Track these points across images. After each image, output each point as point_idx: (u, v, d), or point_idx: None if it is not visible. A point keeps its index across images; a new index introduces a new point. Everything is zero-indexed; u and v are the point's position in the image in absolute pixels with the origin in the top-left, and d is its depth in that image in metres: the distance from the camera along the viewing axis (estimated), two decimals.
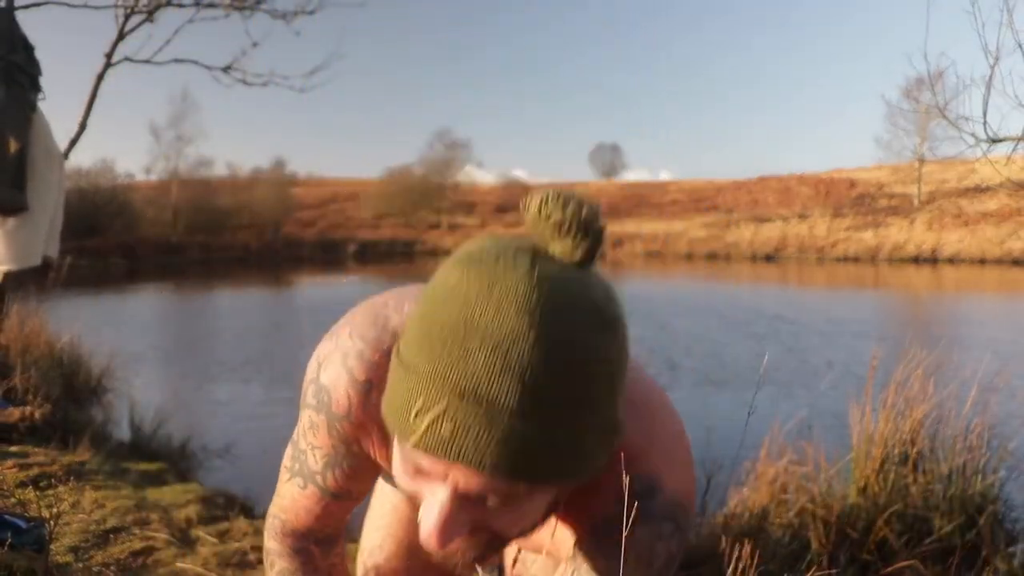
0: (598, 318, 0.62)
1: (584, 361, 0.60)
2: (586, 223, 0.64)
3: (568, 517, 0.80)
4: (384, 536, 1.23)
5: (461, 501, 0.63)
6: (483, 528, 0.67)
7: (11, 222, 3.45)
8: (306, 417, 0.87)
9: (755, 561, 1.48)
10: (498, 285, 0.60)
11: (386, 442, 0.84)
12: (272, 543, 1.00)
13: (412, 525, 1.10)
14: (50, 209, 3.66)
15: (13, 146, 3.30)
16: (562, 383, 0.59)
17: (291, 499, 0.94)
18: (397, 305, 0.86)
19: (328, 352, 0.85)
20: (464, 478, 0.61)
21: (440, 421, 0.59)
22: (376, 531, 1.24)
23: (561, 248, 0.64)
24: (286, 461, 0.93)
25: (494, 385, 0.58)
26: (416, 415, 0.60)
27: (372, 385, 0.81)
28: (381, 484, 1.24)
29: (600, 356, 0.62)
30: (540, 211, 0.64)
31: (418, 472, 0.65)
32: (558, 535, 0.84)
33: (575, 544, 0.78)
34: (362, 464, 0.88)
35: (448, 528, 0.64)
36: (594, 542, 0.76)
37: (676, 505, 0.77)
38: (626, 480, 0.71)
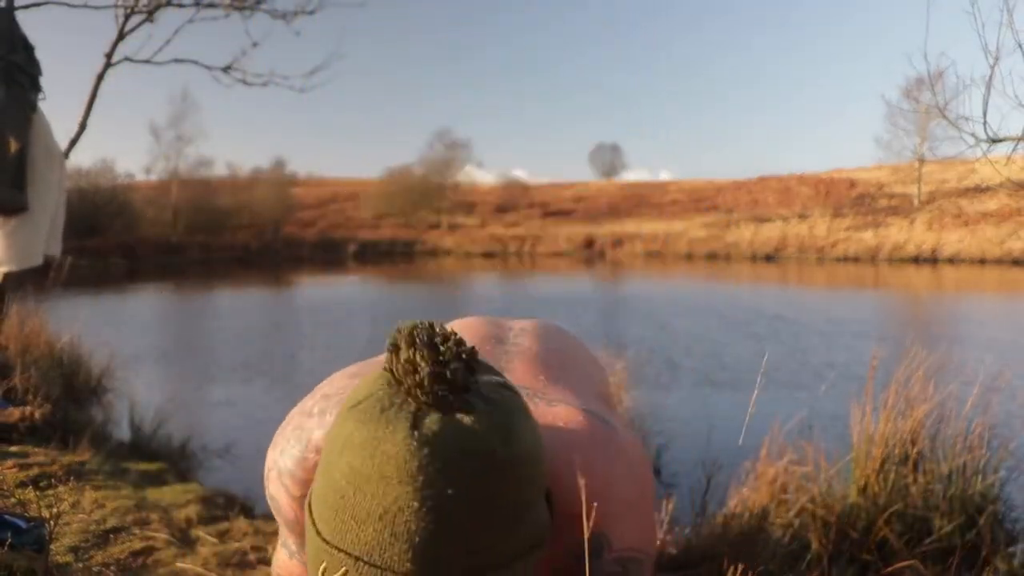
0: (485, 464, 0.61)
1: (476, 513, 0.60)
2: (438, 375, 0.61)
3: None
4: None
5: None
6: None
7: (12, 223, 3.45)
8: (272, 505, 0.95)
9: (755, 561, 1.48)
10: (379, 451, 0.60)
11: None
12: None
13: None
14: (50, 209, 3.66)
15: (13, 146, 3.30)
16: (455, 540, 0.60)
17: (277, 566, 1.06)
18: (320, 416, 0.89)
19: (269, 466, 0.91)
20: None
21: None
22: None
23: (428, 399, 0.61)
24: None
25: (386, 554, 0.60)
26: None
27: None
28: None
29: (493, 503, 0.61)
30: (395, 369, 0.63)
31: None
32: None
33: None
34: None
35: None
36: None
37: (627, 560, 0.79)
38: (585, 533, 0.74)
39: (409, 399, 0.62)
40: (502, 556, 0.63)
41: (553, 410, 0.85)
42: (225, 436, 4.46)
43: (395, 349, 0.63)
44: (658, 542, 2.34)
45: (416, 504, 0.59)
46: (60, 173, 3.73)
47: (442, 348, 0.62)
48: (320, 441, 0.86)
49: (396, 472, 0.59)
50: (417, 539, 0.59)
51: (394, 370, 0.63)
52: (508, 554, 0.64)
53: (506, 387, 0.67)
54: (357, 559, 0.61)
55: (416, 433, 0.60)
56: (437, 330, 0.63)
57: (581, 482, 0.75)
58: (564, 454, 0.78)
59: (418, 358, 0.61)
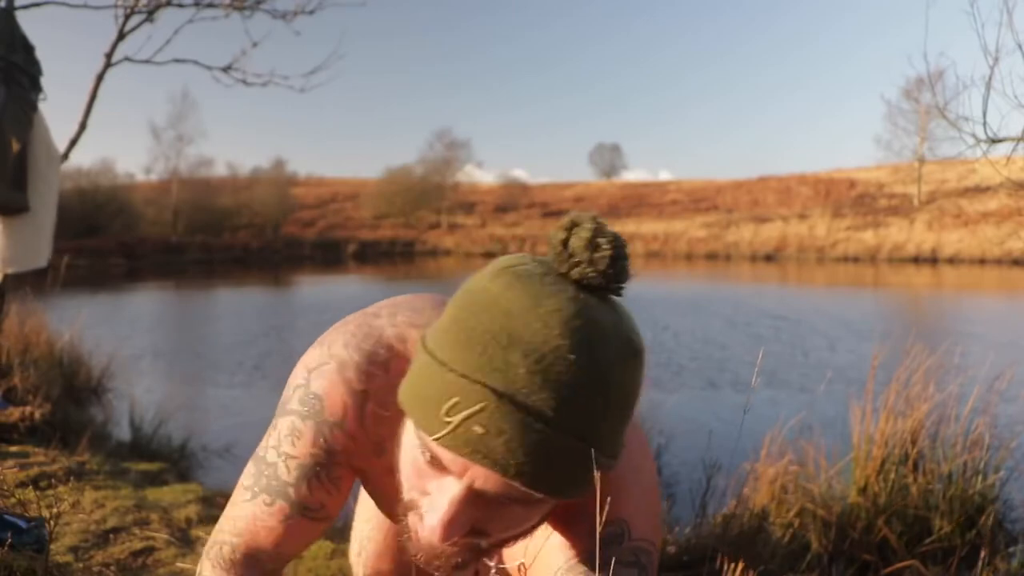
0: (629, 349, 0.66)
1: (614, 386, 0.64)
2: (613, 259, 0.66)
3: (544, 540, 0.83)
4: (373, 527, 1.23)
5: (472, 500, 0.66)
6: (480, 532, 0.69)
7: (13, 223, 3.45)
8: (286, 424, 0.84)
9: (755, 561, 1.48)
10: (545, 304, 0.63)
11: (376, 455, 0.85)
12: (213, 572, 0.89)
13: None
14: (53, 210, 3.66)
15: (14, 146, 3.30)
16: (593, 404, 0.63)
17: (250, 520, 0.87)
18: (390, 317, 0.87)
19: (320, 361, 0.84)
20: (483, 478, 0.64)
21: (473, 421, 0.61)
22: (366, 522, 1.24)
23: (590, 278, 0.66)
24: (245, 480, 0.88)
25: (533, 396, 0.61)
26: (448, 411, 0.63)
27: (368, 397, 0.82)
28: None
29: (625, 384, 0.66)
30: (567, 242, 0.68)
31: (432, 465, 0.68)
32: (530, 554, 0.87)
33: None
34: (342, 478, 0.86)
35: (453, 524, 0.66)
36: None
37: (641, 550, 0.81)
38: (600, 520, 0.75)
39: (568, 276, 0.66)
40: (612, 439, 0.67)
41: None
42: (225, 436, 4.46)
43: (571, 228, 0.68)
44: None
45: (574, 357, 0.61)
46: (56, 175, 3.73)
47: (610, 242, 0.66)
48: (393, 340, 0.83)
49: (559, 325, 0.61)
50: (566, 390, 0.61)
51: (567, 245, 0.67)
52: (612, 446, 0.67)
53: None
54: (501, 395, 0.61)
55: (581, 297, 0.64)
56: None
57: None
58: None
59: (600, 240, 0.66)
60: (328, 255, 38.31)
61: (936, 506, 2.57)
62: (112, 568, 2.00)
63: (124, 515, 2.45)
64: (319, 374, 0.84)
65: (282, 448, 0.85)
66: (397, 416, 0.79)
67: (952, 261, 29.36)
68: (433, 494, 0.69)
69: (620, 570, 0.78)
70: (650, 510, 0.83)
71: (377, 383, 0.82)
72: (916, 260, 30.29)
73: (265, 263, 32.34)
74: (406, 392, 0.70)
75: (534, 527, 0.74)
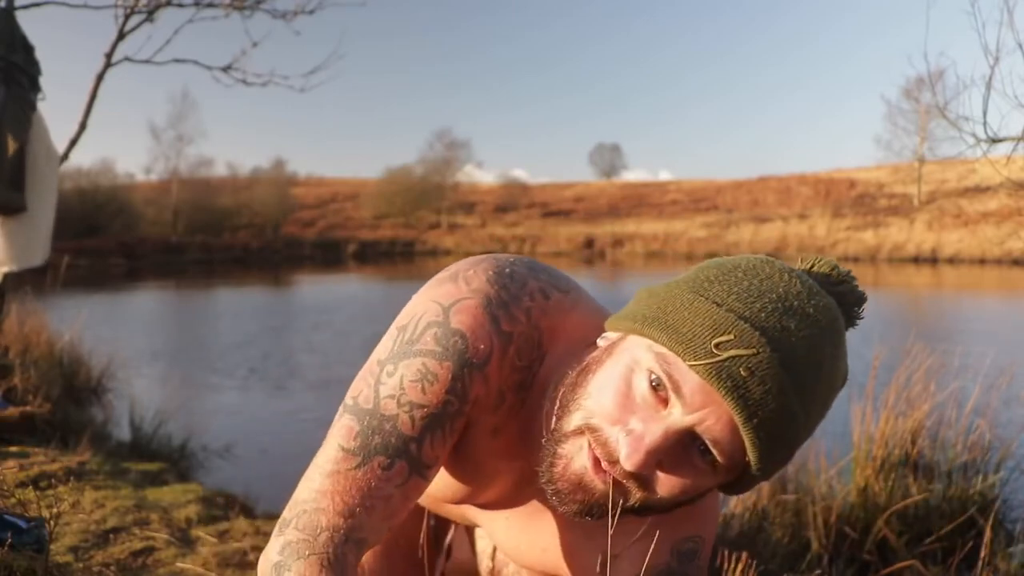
0: (847, 363, 0.73)
1: (836, 388, 0.71)
2: (861, 299, 0.77)
3: (618, 546, 0.83)
4: None
5: (685, 439, 0.67)
6: (647, 481, 0.69)
7: (11, 223, 3.45)
8: (416, 367, 0.73)
9: (754, 562, 1.48)
10: (817, 297, 0.69)
11: (493, 410, 0.77)
12: (304, 567, 0.68)
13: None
14: (51, 209, 3.66)
15: (12, 146, 3.30)
16: (826, 400, 0.69)
17: (363, 493, 0.71)
18: (531, 271, 0.81)
19: (458, 295, 0.75)
20: (714, 420, 0.65)
21: (742, 361, 0.63)
22: None
23: (849, 298, 0.76)
24: (345, 441, 0.73)
25: (800, 366, 0.64)
26: (719, 344, 0.64)
27: (511, 340, 0.75)
28: None
29: (841, 382, 0.72)
30: (837, 268, 0.78)
31: (656, 393, 0.67)
32: (551, 553, 0.88)
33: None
34: (461, 426, 0.77)
35: (656, 453, 0.66)
36: None
37: (703, 569, 0.84)
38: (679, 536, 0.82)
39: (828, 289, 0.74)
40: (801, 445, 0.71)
41: None
42: (225, 436, 4.46)
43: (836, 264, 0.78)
44: None
45: (832, 349, 0.68)
46: (55, 175, 3.73)
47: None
48: (537, 291, 0.79)
49: (828, 320, 0.69)
50: (821, 375, 0.66)
51: (838, 270, 0.78)
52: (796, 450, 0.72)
53: None
54: (776, 350, 0.64)
55: (840, 311, 0.72)
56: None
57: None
58: None
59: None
60: (328, 255, 38.31)
61: (936, 506, 2.57)
62: (112, 568, 2.00)
63: (124, 515, 2.45)
64: (460, 309, 0.74)
65: (407, 396, 0.73)
66: (523, 371, 0.77)
67: (952, 261, 29.35)
68: (640, 422, 0.67)
69: None
70: (714, 532, 0.87)
71: (520, 328, 0.76)
72: (916, 260, 30.29)
73: (265, 263, 32.34)
74: (649, 317, 0.70)
75: (680, 503, 0.73)
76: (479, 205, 53.06)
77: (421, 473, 0.74)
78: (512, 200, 53.60)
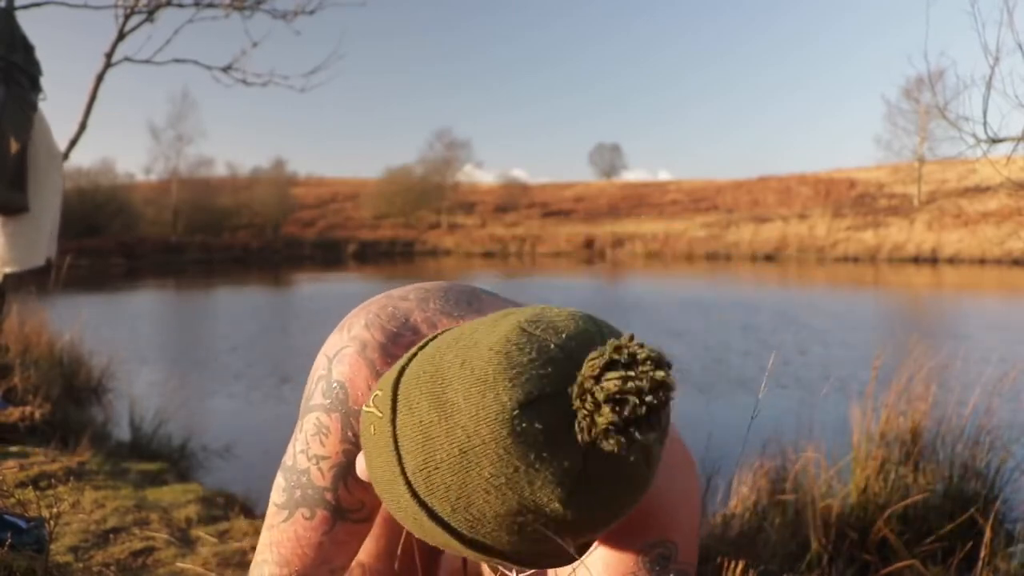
0: (534, 513, 0.56)
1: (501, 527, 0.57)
2: (638, 406, 0.51)
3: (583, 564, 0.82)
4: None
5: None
6: None
7: (13, 223, 3.45)
8: (311, 422, 0.78)
9: (754, 561, 1.48)
10: (486, 397, 0.53)
11: None
12: None
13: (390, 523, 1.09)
14: (53, 209, 3.66)
15: (14, 146, 3.30)
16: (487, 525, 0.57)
17: (294, 542, 0.79)
18: (420, 302, 0.81)
19: (340, 346, 0.79)
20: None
21: (397, 509, 0.62)
22: None
23: (594, 411, 0.53)
24: (277, 498, 0.81)
25: (432, 496, 0.58)
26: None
27: None
28: None
29: (620, 510, 0.59)
30: (600, 361, 0.53)
31: None
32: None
33: None
34: None
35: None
36: None
37: (683, 573, 0.80)
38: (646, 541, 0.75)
39: (589, 426, 0.52)
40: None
41: None
42: (225, 436, 4.46)
43: (604, 367, 0.52)
44: None
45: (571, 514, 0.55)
46: (58, 174, 3.73)
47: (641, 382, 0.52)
48: (421, 323, 0.78)
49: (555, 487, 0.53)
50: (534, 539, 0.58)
51: (587, 393, 0.52)
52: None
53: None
54: (407, 483, 0.59)
55: (582, 467, 0.54)
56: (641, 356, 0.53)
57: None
58: None
59: (630, 387, 0.51)
60: (328, 255, 38.32)
61: (936, 506, 2.57)
62: (112, 568, 2.00)
63: (124, 515, 2.45)
64: (339, 360, 0.77)
65: (311, 450, 0.78)
66: None
67: (952, 261, 29.35)
68: None
69: None
70: (695, 532, 0.82)
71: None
72: (916, 260, 30.29)
73: (265, 263, 32.34)
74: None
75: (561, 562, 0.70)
76: (479, 205, 53.06)
77: (346, 518, 0.79)
78: (512, 200, 53.61)
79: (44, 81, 3.61)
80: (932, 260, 29.95)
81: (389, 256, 39.40)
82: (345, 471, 0.78)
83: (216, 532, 2.42)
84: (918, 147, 38.17)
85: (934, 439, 2.78)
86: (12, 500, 1.96)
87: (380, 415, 0.61)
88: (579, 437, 0.53)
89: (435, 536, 0.61)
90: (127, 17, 4.44)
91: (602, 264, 32.41)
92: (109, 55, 4.48)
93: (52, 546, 1.80)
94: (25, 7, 3.92)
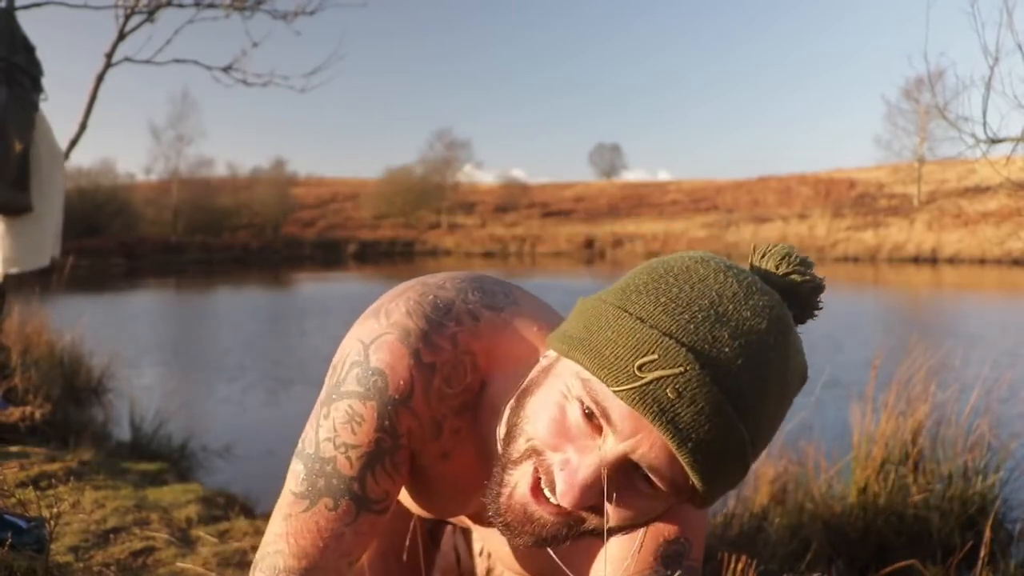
0: (804, 370, 0.68)
1: (787, 399, 0.65)
2: (804, 263, 0.71)
3: (596, 549, 0.81)
4: None
5: (625, 466, 0.63)
6: (595, 509, 0.66)
7: (17, 224, 3.45)
8: (343, 410, 0.75)
9: (754, 561, 1.48)
10: (756, 297, 0.64)
11: (434, 438, 0.78)
12: None
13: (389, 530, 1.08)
14: (56, 210, 3.66)
15: (17, 147, 3.30)
16: (772, 407, 0.63)
17: (315, 533, 0.75)
18: (460, 292, 0.79)
19: (378, 333, 0.75)
20: (649, 446, 0.61)
21: (668, 382, 0.59)
22: None
23: (799, 288, 0.71)
24: (295, 486, 0.77)
25: (737, 379, 0.60)
26: (643, 366, 0.60)
27: (436, 371, 0.74)
28: None
29: (790, 401, 0.66)
30: (790, 255, 0.72)
31: (589, 421, 0.64)
32: (540, 561, 0.86)
33: None
34: (403, 462, 0.77)
35: (592, 489, 0.63)
36: None
37: (693, 570, 0.80)
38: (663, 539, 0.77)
39: (775, 282, 0.70)
40: (754, 459, 0.65)
41: None
42: (225, 436, 4.46)
43: (790, 249, 0.72)
44: None
45: (778, 354, 0.62)
46: (60, 174, 3.73)
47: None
48: (464, 314, 0.77)
49: (768, 320, 0.63)
50: (761, 384, 0.61)
51: (790, 256, 0.72)
52: (750, 463, 0.66)
53: None
54: (705, 365, 0.59)
55: (785, 307, 0.67)
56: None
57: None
58: None
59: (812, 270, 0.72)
60: (328, 255, 38.32)
61: (936, 506, 2.57)
62: (112, 568, 2.00)
63: (124, 515, 2.45)
64: (379, 346, 0.74)
65: (340, 438, 0.75)
66: (460, 396, 0.76)
67: (952, 261, 29.35)
68: (575, 452, 0.64)
69: None
70: (704, 532, 0.83)
71: (444, 356, 0.74)
72: (916, 260, 30.29)
73: (265, 263, 32.34)
74: (575, 339, 0.65)
75: (635, 526, 0.71)
76: (479, 205, 53.06)
77: (370, 509, 0.77)
78: (512, 200, 53.61)
79: (45, 81, 3.61)
80: (932, 260, 29.95)
81: (389, 256, 39.41)
82: (375, 461, 0.75)
83: (216, 532, 2.42)
84: (918, 147, 38.19)
85: (934, 439, 2.78)
86: (12, 500, 1.96)
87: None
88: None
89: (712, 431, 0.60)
90: (127, 17, 4.44)
91: (602, 264, 32.41)
92: (109, 55, 4.48)
93: (52, 546, 1.80)
94: (25, 7, 3.93)
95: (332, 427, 0.75)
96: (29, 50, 3.51)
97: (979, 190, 36.42)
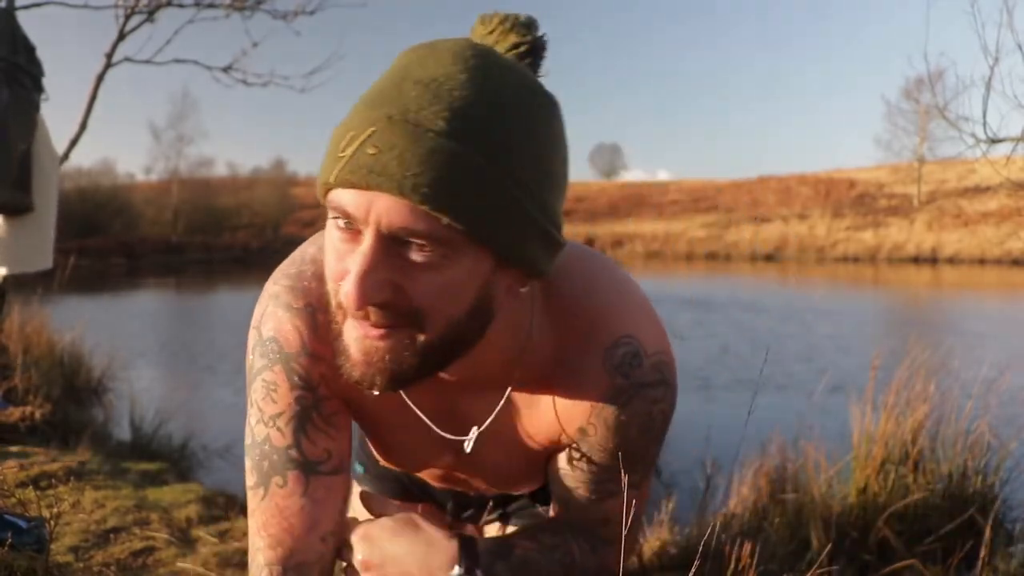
0: (533, 87, 0.65)
1: (514, 110, 0.62)
2: (525, 24, 0.68)
3: (553, 405, 0.78)
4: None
5: (385, 248, 0.61)
6: (404, 303, 0.62)
7: (19, 224, 3.45)
8: (259, 386, 0.77)
9: (754, 561, 1.48)
10: (441, 45, 0.63)
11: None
12: None
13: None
14: (55, 210, 3.65)
15: (19, 147, 3.30)
16: (492, 122, 0.60)
17: (279, 515, 0.76)
18: (308, 242, 0.84)
19: (260, 311, 0.80)
20: (387, 212, 0.59)
21: (366, 144, 0.59)
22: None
23: (503, 46, 0.68)
24: (249, 479, 0.79)
25: (423, 111, 0.58)
26: (343, 147, 0.60)
27: (314, 308, 0.76)
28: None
29: (532, 117, 0.63)
30: (483, 23, 0.70)
31: (346, 233, 0.63)
32: (531, 426, 0.82)
33: (577, 428, 0.78)
34: (335, 413, 0.79)
35: (369, 279, 0.60)
36: (597, 423, 0.76)
37: (661, 364, 0.76)
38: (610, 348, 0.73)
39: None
40: (527, 178, 0.62)
41: None
42: (225, 436, 4.46)
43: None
44: (658, 539, 2.34)
45: (466, 77, 0.60)
46: (57, 176, 3.73)
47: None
48: (319, 254, 0.79)
49: (452, 58, 0.62)
50: (457, 103, 0.59)
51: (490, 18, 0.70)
52: (535, 195, 0.63)
53: None
54: (391, 115, 0.59)
55: (480, 46, 0.65)
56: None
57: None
58: (566, 268, 0.76)
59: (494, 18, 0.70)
60: None
61: (936, 506, 2.57)
62: (112, 568, 2.00)
63: (124, 515, 2.46)
64: (264, 320, 0.79)
65: (265, 414, 0.77)
66: None
67: (952, 261, 29.34)
68: (349, 264, 0.63)
69: (648, 391, 0.75)
70: (656, 320, 0.79)
71: (313, 294, 0.77)
72: (916, 260, 30.28)
73: (265, 263, 32.13)
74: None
75: (480, 315, 0.66)
76: None
77: (317, 471, 0.77)
78: None
79: (45, 81, 3.61)
80: (932, 260, 29.94)
81: None
82: (302, 420, 0.76)
83: (216, 532, 2.42)
84: (918, 147, 38.18)
85: (934, 439, 2.78)
86: (12, 500, 1.96)
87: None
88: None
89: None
90: (127, 17, 4.45)
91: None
92: (109, 55, 4.48)
93: (52, 546, 1.80)
94: (25, 7, 3.93)
95: (257, 407, 0.78)
96: (30, 50, 3.51)
97: (979, 190, 36.41)
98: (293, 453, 0.76)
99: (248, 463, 0.79)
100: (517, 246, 0.63)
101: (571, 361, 0.75)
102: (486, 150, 0.59)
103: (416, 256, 0.61)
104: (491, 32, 0.69)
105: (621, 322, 0.75)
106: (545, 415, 0.79)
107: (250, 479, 0.79)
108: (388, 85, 0.62)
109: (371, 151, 0.58)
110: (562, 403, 0.77)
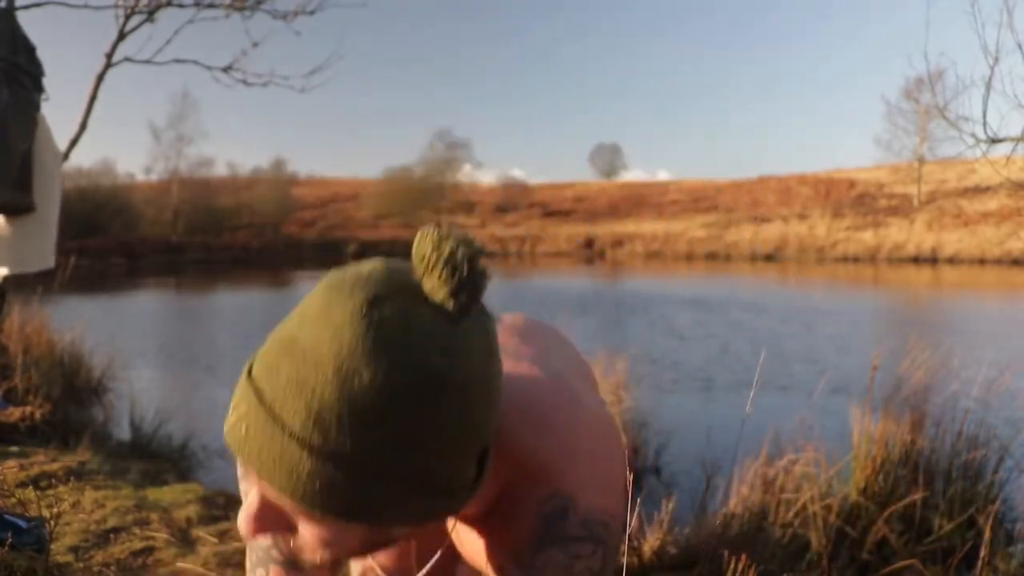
0: (419, 375, 0.57)
1: (385, 406, 0.57)
2: (460, 263, 0.59)
3: (485, 540, 0.79)
4: None
5: (269, 504, 0.64)
6: (296, 550, 0.68)
7: (20, 224, 3.45)
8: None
9: (754, 561, 1.48)
10: (335, 310, 0.58)
11: None
12: None
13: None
14: (57, 210, 3.65)
15: (19, 147, 3.30)
16: (353, 426, 0.56)
17: None
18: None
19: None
20: (262, 484, 0.62)
21: (242, 420, 0.61)
22: None
23: (430, 288, 0.60)
24: (248, 565, 0.85)
25: (286, 404, 0.58)
26: (233, 407, 0.63)
27: None
28: None
29: (403, 408, 0.57)
30: (418, 248, 0.62)
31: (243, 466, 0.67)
32: (470, 552, 0.83)
33: (497, 567, 0.78)
34: None
35: (256, 522, 0.65)
36: (512, 569, 0.76)
37: (593, 523, 0.75)
38: (538, 500, 0.72)
39: (377, 282, 0.60)
40: (400, 468, 0.59)
41: (518, 365, 0.81)
42: None
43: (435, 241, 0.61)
44: (658, 539, 2.34)
45: (330, 375, 0.56)
46: (59, 176, 3.73)
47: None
48: None
49: (330, 336, 0.57)
50: (317, 408, 0.56)
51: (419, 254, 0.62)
52: (412, 476, 0.60)
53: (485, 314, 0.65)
54: (262, 400, 0.59)
55: (376, 311, 0.57)
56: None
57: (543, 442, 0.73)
58: (521, 411, 0.75)
59: (430, 244, 0.61)
60: (328, 255, 38.28)
61: (936, 506, 2.57)
62: (112, 568, 2.00)
63: (124, 515, 2.46)
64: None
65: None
66: None
67: (952, 261, 29.35)
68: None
69: (570, 545, 0.74)
70: (604, 483, 0.77)
71: None
72: (916, 260, 30.28)
73: (265, 263, 32.34)
74: None
75: (375, 546, 0.68)
76: (479, 205, 53.08)
77: (296, 568, 0.77)
78: (512, 200, 53.61)
79: (45, 81, 3.61)
80: (932, 260, 29.95)
81: (390, 256, 39.35)
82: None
83: (216, 532, 2.42)
84: (918, 147, 38.19)
85: (934, 439, 2.78)
86: (12, 500, 1.96)
87: (248, 405, 0.61)
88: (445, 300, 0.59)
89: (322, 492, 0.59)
90: (127, 17, 4.44)
91: (602, 264, 32.41)
92: (109, 55, 4.48)
93: (52, 546, 1.80)
94: (25, 7, 3.93)
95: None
96: (30, 50, 3.51)
97: (979, 190, 36.42)
98: (275, 553, 0.77)
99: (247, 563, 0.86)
100: (394, 520, 0.64)
101: (508, 504, 0.76)
102: (338, 457, 0.58)
103: (292, 513, 0.65)
104: (422, 260, 0.61)
105: (561, 478, 0.74)
106: (477, 550, 0.81)
107: (247, 563, 0.84)
108: (275, 350, 0.60)
109: (242, 430, 0.61)
110: (492, 541, 0.79)
